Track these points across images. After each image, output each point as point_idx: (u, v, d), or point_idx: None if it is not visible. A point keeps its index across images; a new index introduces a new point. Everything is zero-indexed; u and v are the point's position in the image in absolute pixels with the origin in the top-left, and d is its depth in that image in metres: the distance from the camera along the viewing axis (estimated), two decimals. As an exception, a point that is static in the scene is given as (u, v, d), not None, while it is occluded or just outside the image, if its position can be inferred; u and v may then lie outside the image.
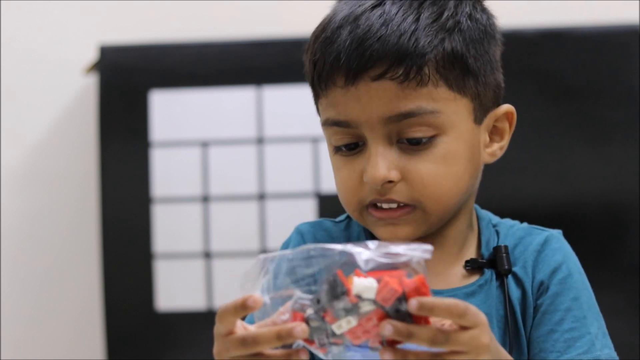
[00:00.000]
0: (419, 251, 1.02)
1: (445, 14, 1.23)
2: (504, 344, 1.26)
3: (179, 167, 2.33)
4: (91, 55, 2.42)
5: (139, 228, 2.32)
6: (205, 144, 2.33)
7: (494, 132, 1.30)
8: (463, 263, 1.30)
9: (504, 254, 1.29)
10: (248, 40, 2.34)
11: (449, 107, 1.22)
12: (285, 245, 1.34)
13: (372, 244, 1.03)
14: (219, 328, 1.06)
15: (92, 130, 2.46)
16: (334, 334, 1.02)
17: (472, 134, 1.25)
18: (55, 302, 2.52)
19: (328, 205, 2.26)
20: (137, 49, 2.36)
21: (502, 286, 1.28)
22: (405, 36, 1.20)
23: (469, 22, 1.25)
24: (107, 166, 2.33)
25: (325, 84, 1.24)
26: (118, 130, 2.34)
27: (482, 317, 1.04)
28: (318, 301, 1.02)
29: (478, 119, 1.26)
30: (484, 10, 1.29)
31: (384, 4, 1.23)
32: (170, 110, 2.33)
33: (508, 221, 1.35)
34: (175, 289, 2.32)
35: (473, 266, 1.29)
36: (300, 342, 1.03)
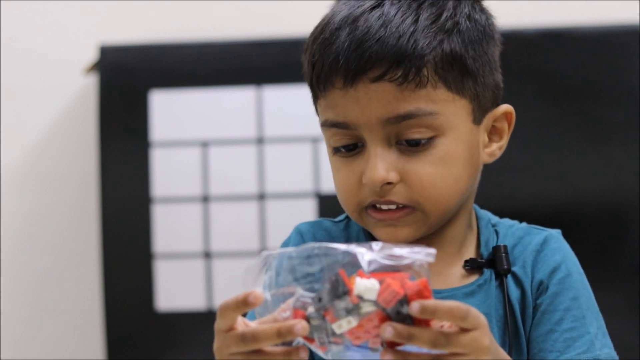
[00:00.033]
0: (422, 254, 1.02)
1: (444, 15, 1.23)
2: (503, 344, 1.26)
3: (179, 167, 2.33)
4: (91, 55, 2.42)
5: (139, 228, 2.32)
6: (205, 144, 2.33)
7: (493, 132, 1.30)
8: (462, 263, 1.30)
9: (503, 254, 1.29)
10: (248, 40, 2.34)
11: (447, 109, 1.22)
12: (285, 245, 1.34)
13: (375, 245, 1.03)
14: (219, 324, 1.06)
15: (92, 130, 2.46)
16: (334, 333, 1.02)
17: (471, 134, 1.25)
18: (55, 302, 2.52)
19: (328, 205, 2.26)
20: (137, 49, 2.36)
21: (502, 286, 1.28)
22: (404, 38, 1.20)
23: (467, 22, 1.24)
24: (107, 166, 2.33)
25: (324, 85, 1.24)
26: (118, 130, 2.34)
27: (483, 318, 1.04)
28: (319, 300, 1.02)
29: (477, 120, 1.26)
30: (483, 10, 1.29)
31: (383, 5, 1.23)
32: (170, 110, 2.33)
33: (507, 221, 1.35)
34: (175, 289, 2.32)
35: (472, 266, 1.29)
36: (300, 340, 1.03)
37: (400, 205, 1.23)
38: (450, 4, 1.24)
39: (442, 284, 1.27)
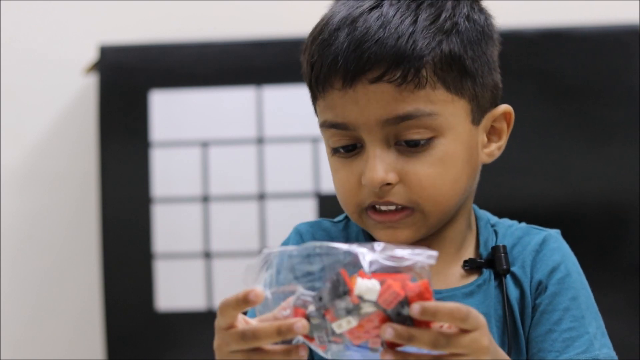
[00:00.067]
0: (423, 256, 1.02)
1: (443, 16, 1.23)
2: (502, 344, 1.26)
3: (179, 167, 2.33)
4: (91, 55, 2.42)
5: (139, 228, 2.32)
6: (205, 144, 2.33)
7: (492, 133, 1.30)
8: (461, 263, 1.30)
9: (503, 254, 1.29)
10: (248, 40, 2.34)
11: (446, 109, 1.22)
12: (284, 245, 1.34)
13: (377, 245, 1.03)
14: (219, 321, 1.07)
15: (92, 130, 2.46)
16: (334, 333, 1.02)
17: (469, 135, 1.25)
18: (55, 302, 2.52)
19: (328, 205, 2.26)
20: (137, 49, 2.36)
21: (501, 286, 1.28)
22: (403, 39, 1.20)
23: (466, 23, 1.24)
24: (107, 166, 2.33)
25: (322, 86, 1.24)
26: (118, 130, 2.34)
27: (482, 319, 1.04)
28: (320, 299, 1.02)
29: (476, 120, 1.26)
30: (482, 10, 1.29)
31: (382, 5, 1.23)
32: (170, 110, 2.33)
33: (506, 221, 1.35)
34: (175, 289, 2.32)
35: (471, 266, 1.29)
36: (300, 338, 1.04)
37: (400, 207, 1.23)
38: (449, 5, 1.24)
39: (441, 284, 1.27)
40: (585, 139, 2.25)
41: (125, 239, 2.33)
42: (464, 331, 1.03)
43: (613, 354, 1.26)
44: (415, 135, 1.22)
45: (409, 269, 1.02)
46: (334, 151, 1.26)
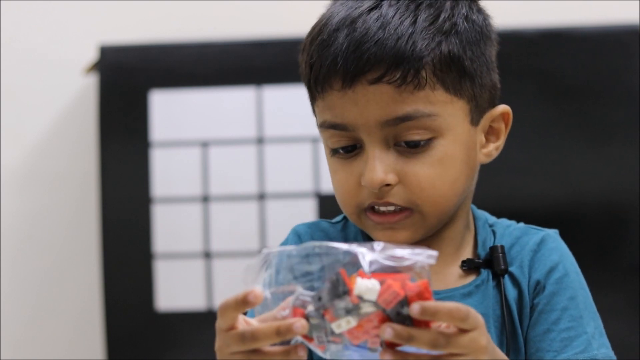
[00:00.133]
0: (423, 256, 1.02)
1: (442, 16, 1.23)
2: (501, 344, 1.26)
3: (179, 167, 2.33)
4: (91, 55, 2.42)
5: (139, 228, 2.32)
6: (205, 144, 2.33)
7: (490, 133, 1.30)
8: (459, 263, 1.30)
9: (500, 254, 1.29)
10: (248, 40, 2.34)
11: (445, 110, 1.22)
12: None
13: (377, 245, 1.03)
14: (220, 323, 1.06)
15: (92, 130, 2.46)
16: (333, 333, 1.02)
17: (468, 135, 1.25)
18: (55, 302, 2.52)
19: (328, 205, 2.26)
20: (137, 49, 2.36)
21: (499, 286, 1.28)
22: (403, 39, 1.20)
23: (465, 23, 1.24)
24: (107, 166, 2.33)
25: (322, 86, 1.23)
26: (118, 130, 2.34)
27: (480, 319, 1.04)
28: (319, 299, 1.02)
29: (474, 121, 1.26)
30: (480, 10, 1.29)
31: (381, 6, 1.23)
32: (170, 110, 2.33)
33: (504, 221, 1.35)
34: (175, 289, 2.32)
35: (469, 266, 1.29)
36: (299, 339, 1.03)
37: (399, 207, 1.23)
38: (447, 5, 1.24)
39: (440, 284, 1.27)
40: (585, 139, 2.25)
41: (125, 239, 2.33)
42: (463, 331, 1.03)
43: (611, 353, 1.26)
44: (415, 136, 1.22)
45: (409, 268, 1.02)
46: (333, 152, 1.26)
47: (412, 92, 1.20)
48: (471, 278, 1.29)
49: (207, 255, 2.32)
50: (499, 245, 1.29)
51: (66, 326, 2.52)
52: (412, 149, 1.22)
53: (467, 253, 1.31)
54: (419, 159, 1.22)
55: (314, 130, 1.29)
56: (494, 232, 1.33)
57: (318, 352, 1.04)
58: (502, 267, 1.28)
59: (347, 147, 1.25)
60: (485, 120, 1.28)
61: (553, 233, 1.33)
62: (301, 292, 1.03)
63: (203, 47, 2.35)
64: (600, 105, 2.25)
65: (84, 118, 2.50)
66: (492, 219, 1.35)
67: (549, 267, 1.29)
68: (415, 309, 0.99)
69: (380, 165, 1.21)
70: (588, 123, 2.25)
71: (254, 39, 2.34)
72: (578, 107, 2.25)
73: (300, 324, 1.01)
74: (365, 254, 1.02)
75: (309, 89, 1.28)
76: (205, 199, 2.32)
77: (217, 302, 2.29)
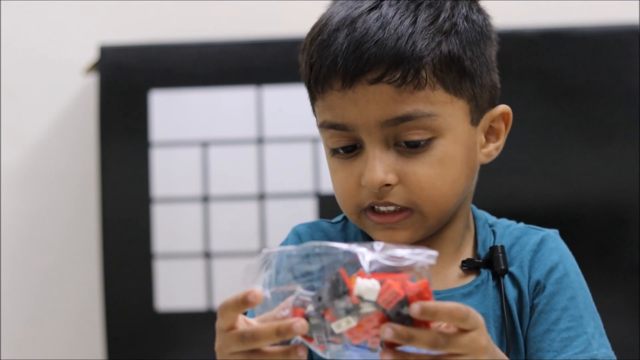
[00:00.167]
0: (423, 256, 1.02)
1: (442, 16, 1.23)
2: (501, 344, 1.26)
3: (179, 167, 2.33)
4: (91, 55, 2.42)
5: (139, 228, 2.32)
6: (205, 144, 2.33)
7: (490, 133, 1.30)
8: (459, 263, 1.30)
9: (501, 254, 1.29)
10: (248, 40, 2.34)
11: (445, 110, 1.22)
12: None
13: (377, 245, 1.03)
14: (220, 323, 1.06)
15: (92, 130, 2.46)
16: (333, 333, 1.02)
17: (468, 135, 1.25)
18: (55, 302, 2.52)
19: (328, 205, 2.26)
20: (137, 49, 2.36)
21: (499, 286, 1.28)
22: (403, 39, 1.20)
23: (465, 23, 1.24)
24: (107, 166, 2.33)
25: (322, 86, 1.23)
26: (118, 130, 2.34)
27: (480, 319, 1.04)
28: (319, 299, 1.02)
29: (474, 121, 1.26)
30: (480, 10, 1.29)
31: (381, 6, 1.23)
32: (170, 110, 2.33)
33: (504, 221, 1.35)
34: (175, 289, 2.32)
35: (469, 266, 1.29)
36: (299, 339, 1.03)
37: (399, 207, 1.23)
38: (447, 5, 1.24)
39: (439, 284, 1.27)
40: (585, 139, 2.25)
41: (125, 239, 2.33)
42: (463, 331, 1.03)
43: (611, 353, 1.26)
44: (415, 136, 1.22)
45: (409, 268, 1.02)
46: (333, 152, 1.26)
47: (412, 92, 1.20)
48: (471, 278, 1.29)
49: (207, 255, 2.32)
50: (499, 245, 1.29)
51: (66, 326, 2.52)
52: (412, 149, 1.22)
53: (467, 253, 1.31)
54: (419, 159, 1.22)
55: (314, 130, 1.29)
56: (494, 232, 1.32)
57: (318, 352, 1.04)
58: (502, 267, 1.28)
59: (347, 147, 1.24)
60: (485, 120, 1.28)
61: (553, 233, 1.33)
62: (301, 292, 1.03)
63: (203, 47, 2.35)
64: (600, 105, 2.25)
65: (84, 118, 2.50)
66: (492, 219, 1.35)
67: (549, 267, 1.29)
68: (415, 309, 0.99)
69: (380, 165, 1.21)
70: (588, 123, 2.25)
71: (254, 39, 2.34)
72: (578, 107, 2.25)
73: (300, 324, 1.01)
74: (365, 254, 1.02)
75: (308, 89, 1.28)
76: (205, 199, 2.32)
77: (217, 302, 2.29)
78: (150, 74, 2.34)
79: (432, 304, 1.00)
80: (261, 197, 2.32)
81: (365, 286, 1.00)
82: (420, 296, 1.00)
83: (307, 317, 1.02)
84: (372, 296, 1.00)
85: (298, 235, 1.33)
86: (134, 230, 2.33)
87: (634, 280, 2.21)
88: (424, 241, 1.26)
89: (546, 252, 1.30)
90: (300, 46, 1.29)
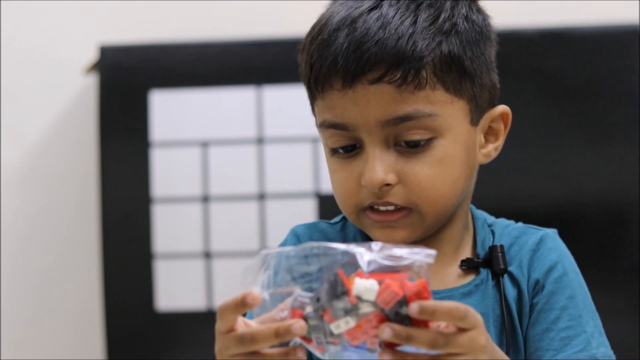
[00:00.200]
0: (421, 255, 1.02)
1: (442, 16, 1.23)
2: (500, 344, 1.26)
3: (179, 167, 2.33)
4: (91, 55, 2.42)
5: (139, 228, 2.32)
6: (205, 144, 2.33)
7: (489, 133, 1.30)
8: (459, 263, 1.30)
9: (500, 254, 1.29)
10: (248, 40, 2.34)
11: (446, 110, 1.22)
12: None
13: (375, 245, 1.03)
14: (219, 325, 1.06)
15: (92, 130, 2.46)
16: (332, 334, 1.02)
17: (468, 135, 1.25)
18: (55, 302, 2.52)
19: (328, 205, 2.26)
20: (137, 49, 2.36)
21: (498, 286, 1.28)
22: (403, 39, 1.20)
23: (465, 23, 1.24)
24: (107, 166, 2.33)
25: (322, 86, 1.23)
26: (118, 130, 2.34)
27: (479, 318, 1.04)
28: (318, 300, 1.02)
29: (474, 121, 1.26)
30: (480, 11, 1.29)
31: (381, 6, 1.23)
32: (170, 110, 2.33)
33: (503, 221, 1.35)
34: (175, 289, 2.32)
35: (469, 265, 1.29)
36: (298, 340, 1.03)
37: (398, 207, 1.23)
38: (447, 5, 1.24)
39: (439, 283, 1.27)
40: (585, 139, 2.25)
41: (125, 239, 2.33)
42: (462, 330, 1.03)
43: (610, 353, 1.26)
44: (415, 136, 1.21)
45: (407, 268, 1.02)
46: (333, 152, 1.26)
47: (413, 92, 1.20)
48: (470, 278, 1.29)
49: (207, 255, 2.32)
50: (498, 244, 1.29)
51: (66, 326, 2.52)
52: (412, 148, 1.22)
53: (466, 253, 1.31)
54: (419, 159, 1.22)
55: (314, 130, 1.29)
56: (492, 232, 1.33)
57: (317, 353, 1.03)
58: (502, 266, 1.28)
59: (346, 147, 1.24)
60: (484, 121, 1.28)
61: (551, 232, 1.33)
62: (299, 293, 1.03)
63: (203, 47, 2.35)
64: (600, 105, 2.25)
65: (84, 118, 2.50)
66: (490, 218, 1.35)
67: (548, 266, 1.29)
68: (413, 308, 0.99)
69: (380, 165, 1.21)
70: (588, 123, 2.25)
71: (254, 39, 2.34)
72: (578, 107, 2.25)
73: (298, 325, 1.01)
74: (364, 254, 1.02)
75: (308, 88, 1.28)
76: (205, 199, 2.32)
77: (217, 302, 2.29)
78: (150, 74, 2.34)
79: (430, 303, 1.00)
80: (261, 197, 2.32)
81: (364, 286, 1.00)
82: (419, 295, 1.00)
83: (305, 318, 1.02)
84: (371, 296, 1.00)
85: (297, 236, 1.33)
86: (134, 230, 2.33)
87: (634, 280, 2.21)
88: (423, 241, 1.26)
89: (545, 252, 1.30)
90: (300, 46, 1.29)
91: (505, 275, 1.29)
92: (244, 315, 1.07)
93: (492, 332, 1.26)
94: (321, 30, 1.25)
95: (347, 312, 1.01)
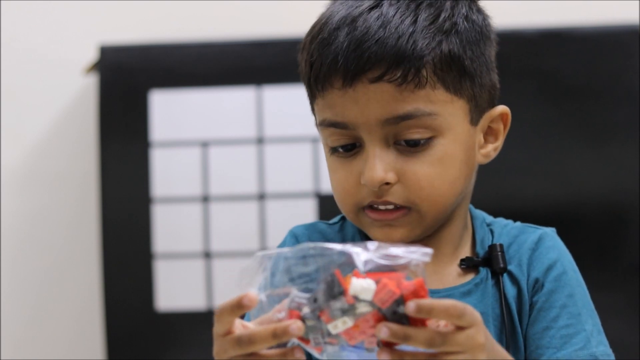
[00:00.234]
0: (418, 254, 1.02)
1: (442, 16, 1.23)
2: (500, 343, 1.26)
3: (179, 167, 2.33)
4: (91, 55, 2.42)
5: (139, 228, 2.32)
6: (205, 144, 2.33)
7: (489, 133, 1.30)
8: (458, 262, 1.30)
9: (499, 253, 1.29)
10: (248, 40, 2.34)
11: (446, 109, 1.22)
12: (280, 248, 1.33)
13: (371, 244, 1.03)
14: (217, 328, 1.06)
15: (92, 130, 2.46)
16: (329, 334, 1.01)
17: (468, 135, 1.25)
18: (55, 302, 2.52)
19: (328, 205, 2.26)
20: (137, 49, 2.36)
21: (498, 285, 1.28)
22: (404, 38, 1.20)
23: (465, 23, 1.25)
24: (107, 166, 2.33)
25: (322, 85, 1.23)
26: (118, 130, 2.34)
27: (478, 316, 1.04)
28: (315, 300, 1.02)
29: (474, 121, 1.26)
30: (480, 10, 1.29)
31: (382, 5, 1.23)
32: (170, 110, 2.33)
33: (502, 220, 1.35)
34: (175, 289, 2.32)
35: (468, 264, 1.29)
36: (295, 341, 1.03)
37: (398, 206, 1.23)
38: (447, 5, 1.24)
39: (438, 283, 1.27)
40: (585, 139, 2.25)
41: (125, 239, 2.33)
42: (460, 328, 1.02)
43: (609, 351, 1.26)
44: (415, 135, 1.22)
45: (404, 267, 1.01)
46: (333, 150, 1.26)
47: (413, 91, 1.20)
48: (470, 277, 1.29)
49: (207, 255, 2.32)
50: (497, 243, 1.29)
51: (66, 326, 2.52)
52: (412, 147, 1.22)
53: (465, 252, 1.31)
54: (418, 158, 1.22)
55: (314, 130, 1.29)
56: (491, 231, 1.33)
57: (315, 353, 1.03)
58: (501, 265, 1.28)
59: (346, 146, 1.24)
60: (484, 121, 1.28)
61: (550, 231, 1.33)
62: (296, 294, 1.03)
63: (203, 47, 2.35)
64: (600, 105, 2.25)
65: (84, 118, 2.50)
66: (489, 218, 1.35)
67: (547, 265, 1.29)
68: (411, 306, 0.99)
69: (380, 164, 1.21)
70: (588, 123, 2.25)
71: (254, 39, 2.34)
72: (578, 107, 2.25)
73: (296, 325, 1.01)
74: (360, 254, 1.02)
75: (308, 87, 1.28)
76: (205, 199, 2.32)
77: (217, 302, 2.29)
78: (150, 74, 2.34)
79: (427, 301, 1.00)
80: (261, 197, 2.32)
81: (361, 286, 1.00)
82: (416, 294, 1.00)
83: (303, 319, 1.02)
84: (368, 296, 1.00)
85: (295, 237, 1.33)
86: (134, 230, 2.33)
87: (634, 280, 2.21)
88: (423, 240, 1.26)
89: (544, 250, 1.30)
90: (300, 45, 1.29)
91: (505, 274, 1.29)
92: (242, 317, 1.07)
93: (492, 331, 1.26)
94: (321, 29, 1.25)
95: (345, 312, 1.01)
